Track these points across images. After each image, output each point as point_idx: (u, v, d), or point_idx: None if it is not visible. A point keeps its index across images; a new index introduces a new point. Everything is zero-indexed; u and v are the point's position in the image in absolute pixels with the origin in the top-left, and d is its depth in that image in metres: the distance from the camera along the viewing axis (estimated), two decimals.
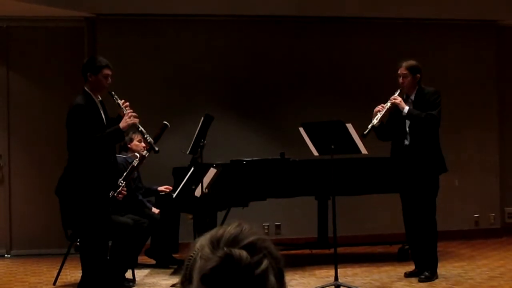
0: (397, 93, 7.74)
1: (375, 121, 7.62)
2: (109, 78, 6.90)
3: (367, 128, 7.56)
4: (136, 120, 6.94)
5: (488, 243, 10.54)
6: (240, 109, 10.43)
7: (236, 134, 10.32)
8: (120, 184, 7.25)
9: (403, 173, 7.79)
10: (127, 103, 7.02)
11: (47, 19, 10.13)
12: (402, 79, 7.76)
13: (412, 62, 7.78)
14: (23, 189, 10.17)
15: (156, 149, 7.07)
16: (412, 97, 7.78)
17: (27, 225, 10.11)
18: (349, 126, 7.44)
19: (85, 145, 6.69)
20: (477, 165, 11.07)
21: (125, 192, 7.28)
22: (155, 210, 8.80)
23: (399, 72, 7.78)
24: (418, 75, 7.75)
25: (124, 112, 6.93)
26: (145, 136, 7.09)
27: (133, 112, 6.92)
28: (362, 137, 7.44)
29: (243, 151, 9.81)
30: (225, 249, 1.44)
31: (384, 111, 7.66)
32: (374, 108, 7.73)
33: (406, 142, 7.74)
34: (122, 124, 6.85)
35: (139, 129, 7.04)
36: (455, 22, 10.98)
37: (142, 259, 8.83)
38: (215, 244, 1.46)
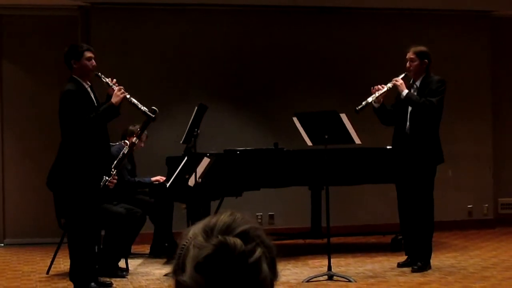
0: (401, 76, 7.71)
1: (370, 98, 7.59)
2: (93, 60, 6.89)
3: (361, 104, 7.55)
4: (126, 93, 6.91)
5: (481, 233, 10.57)
6: (234, 98, 10.42)
7: (230, 124, 10.32)
8: (112, 172, 7.23)
9: (402, 162, 7.78)
10: (115, 80, 6.99)
11: (40, 7, 10.09)
12: (409, 63, 7.72)
13: (421, 48, 7.75)
14: (17, 178, 10.15)
15: (153, 116, 7.03)
16: (418, 83, 7.75)
17: (21, 214, 10.10)
18: (343, 116, 7.45)
19: (80, 126, 6.67)
20: (471, 156, 11.08)
21: (115, 181, 7.27)
22: (158, 178, 8.78)
23: (407, 56, 7.75)
24: (426, 60, 7.70)
25: (114, 89, 6.91)
26: (139, 106, 7.05)
27: (122, 88, 6.91)
28: (355, 112, 7.46)
29: (237, 140, 9.80)
30: (219, 237, 1.43)
31: (383, 91, 7.62)
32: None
33: (406, 129, 7.72)
34: (114, 99, 6.83)
35: (131, 101, 7.01)
36: (449, 13, 10.98)
37: (136, 248, 8.83)
38: (208, 232, 1.46)
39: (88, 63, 6.85)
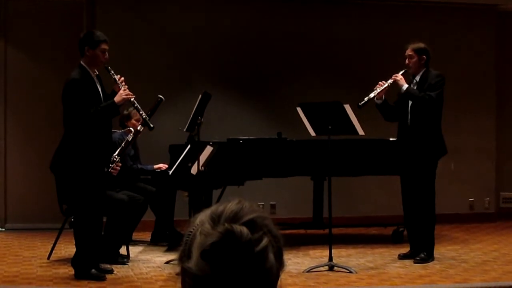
0: (401, 72, 7.84)
1: (372, 94, 7.77)
2: (107, 53, 6.88)
3: (363, 100, 7.66)
4: (132, 96, 6.92)
5: (482, 227, 10.57)
6: (238, 87, 10.41)
7: (234, 113, 10.31)
8: (115, 159, 7.24)
9: (405, 155, 7.84)
10: (123, 78, 7.00)
11: None
12: (408, 59, 7.87)
13: (419, 45, 7.89)
14: (19, 163, 10.15)
15: (151, 125, 7.06)
16: (417, 78, 7.85)
17: (23, 199, 10.10)
18: (347, 107, 7.47)
19: (80, 119, 6.67)
20: (473, 149, 11.08)
21: (118, 168, 7.26)
22: (161, 166, 8.80)
23: (406, 53, 7.88)
24: (424, 56, 7.81)
25: (120, 87, 6.91)
26: (141, 112, 7.08)
27: (128, 89, 6.92)
28: (357, 107, 7.55)
29: (240, 129, 9.80)
30: (225, 225, 1.43)
31: (384, 86, 7.79)
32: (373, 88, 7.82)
33: (408, 122, 7.79)
34: (117, 99, 6.84)
35: (135, 105, 7.02)
36: (455, 6, 10.95)
37: (137, 235, 8.84)
38: (215, 220, 1.46)
39: (101, 54, 6.84)
